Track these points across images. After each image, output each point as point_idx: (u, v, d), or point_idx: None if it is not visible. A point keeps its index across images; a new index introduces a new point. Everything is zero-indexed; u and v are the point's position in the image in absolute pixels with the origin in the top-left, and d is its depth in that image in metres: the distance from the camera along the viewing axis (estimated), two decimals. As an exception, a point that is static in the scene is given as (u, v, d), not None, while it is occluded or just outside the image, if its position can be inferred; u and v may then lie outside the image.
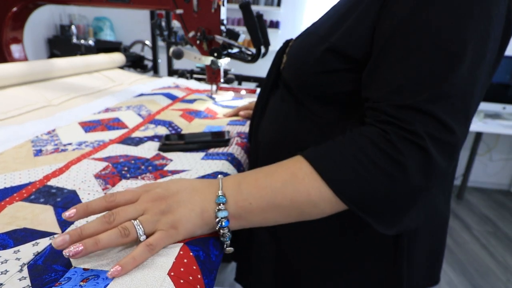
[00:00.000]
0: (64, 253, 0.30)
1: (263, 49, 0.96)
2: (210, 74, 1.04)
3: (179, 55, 0.96)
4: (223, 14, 0.94)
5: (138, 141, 0.64)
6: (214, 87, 1.08)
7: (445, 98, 0.36)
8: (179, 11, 0.95)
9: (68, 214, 0.33)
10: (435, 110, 0.35)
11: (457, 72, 0.35)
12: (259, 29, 0.90)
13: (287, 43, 0.58)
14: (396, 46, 0.38)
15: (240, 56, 0.97)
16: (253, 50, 0.96)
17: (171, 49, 0.98)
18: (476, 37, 0.36)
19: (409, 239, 0.49)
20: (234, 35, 0.95)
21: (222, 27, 0.94)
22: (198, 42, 0.95)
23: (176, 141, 0.62)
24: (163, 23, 1.06)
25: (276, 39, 3.11)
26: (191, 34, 0.95)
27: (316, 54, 0.45)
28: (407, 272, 0.50)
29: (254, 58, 0.95)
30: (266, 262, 0.60)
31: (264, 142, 0.57)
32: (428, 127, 0.35)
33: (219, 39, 0.93)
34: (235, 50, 0.99)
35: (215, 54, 0.94)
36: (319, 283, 0.54)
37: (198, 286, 0.31)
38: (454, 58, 0.36)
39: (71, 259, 0.32)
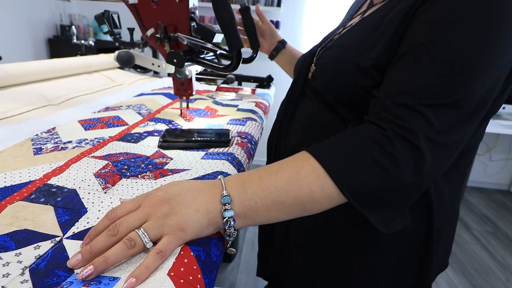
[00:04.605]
0: (78, 278, 0.30)
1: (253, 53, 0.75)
2: (178, 86, 0.77)
3: (127, 61, 0.72)
4: (193, 4, 0.67)
5: (137, 137, 0.64)
6: (184, 103, 0.84)
7: (445, 107, 0.39)
8: (132, 1, 0.68)
9: (83, 242, 0.34)
10: (432, 114, 0.39)
11: (463, 92, 0.39)
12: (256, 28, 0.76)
13: (313, 52, 0.61)
14: (415, 56, 0.41)
15: (213, 63, 0.68)
16: (233, 51, 0.63)
17: (115, 53, 0.75)
18: (489, 66, 0.39)
19: (436, 235, 0.54)
20: (207, 34, 0.67)
21: (193, 23, 0.68)
22: (158, 43, 0.69)
23: (176, 138, 0.62)
24: (114, 16, 0.78)
25: (276, 39, 3.09)
26: (149, 32, 0.70)
27: (363, 71, 0.48)
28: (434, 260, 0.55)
29: (230, 66, 0.63)
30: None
31: (299, 146, 0.58)
32: (422, 127, 0.39)
33: (184, 38, 0.66)
34: (211, 54, 0.72)
35: (175, 61, 0.66)
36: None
37: (198, 286, 0.31)
38: (462, 79, 0.39)
39: None
